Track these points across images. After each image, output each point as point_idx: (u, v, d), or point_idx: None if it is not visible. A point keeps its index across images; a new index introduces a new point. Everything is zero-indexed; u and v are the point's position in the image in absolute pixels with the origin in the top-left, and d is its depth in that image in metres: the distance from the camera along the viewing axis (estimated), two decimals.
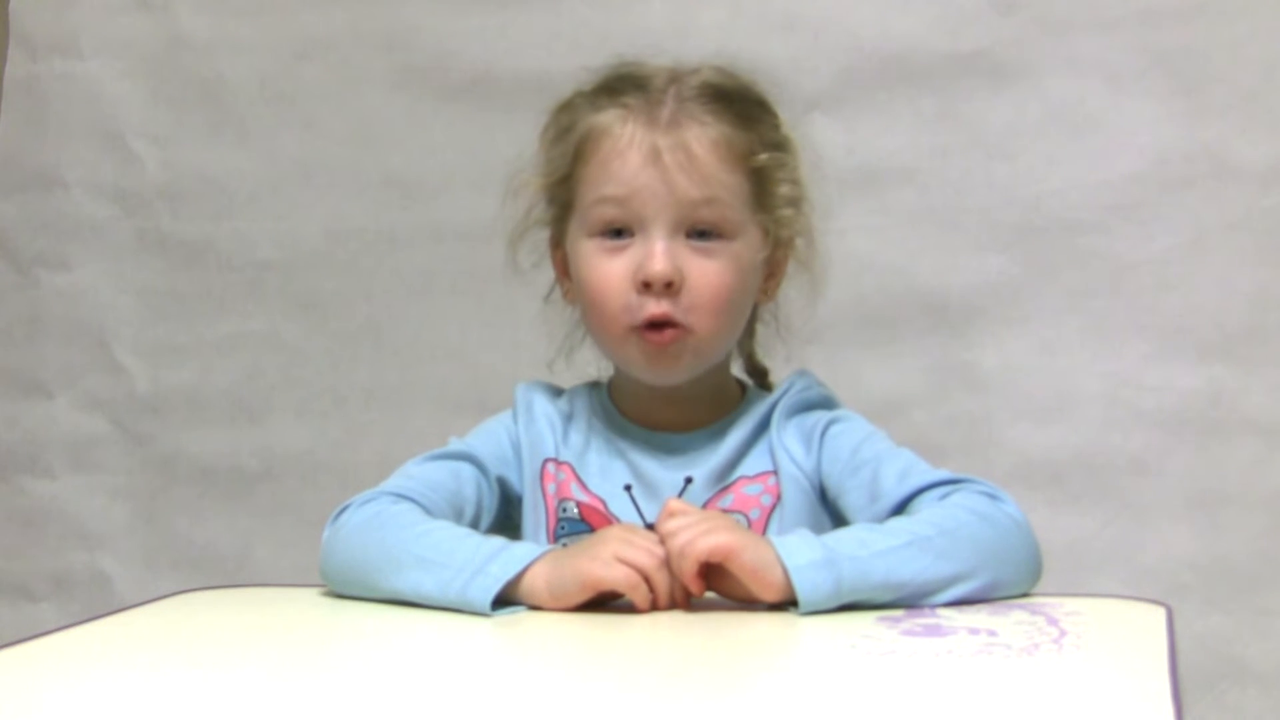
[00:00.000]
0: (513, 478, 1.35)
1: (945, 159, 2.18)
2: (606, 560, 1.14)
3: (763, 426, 1.33)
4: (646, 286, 1.25)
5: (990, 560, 1.16)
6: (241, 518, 2.42)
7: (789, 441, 1.31)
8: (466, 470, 1.34)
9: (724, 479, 1.31)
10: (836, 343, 2.17)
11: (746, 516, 1.30)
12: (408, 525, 1.23)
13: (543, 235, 1.36)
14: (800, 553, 1.13)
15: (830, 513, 1.31)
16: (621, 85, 1.30)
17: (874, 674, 0.93)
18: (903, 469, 1.27)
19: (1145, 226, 2.13)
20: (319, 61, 2.40)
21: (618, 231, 1.27)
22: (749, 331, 1.39)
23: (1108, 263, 2.13)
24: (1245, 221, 2.10)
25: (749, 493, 1.30)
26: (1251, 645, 2.09)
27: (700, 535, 1.14)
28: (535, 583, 1.16)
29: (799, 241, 1.35)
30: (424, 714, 0.88)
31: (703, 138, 1.27)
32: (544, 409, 1.36)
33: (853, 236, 2.18)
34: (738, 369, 1.41)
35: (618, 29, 2.25)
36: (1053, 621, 1.05)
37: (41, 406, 2.50)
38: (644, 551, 1.15)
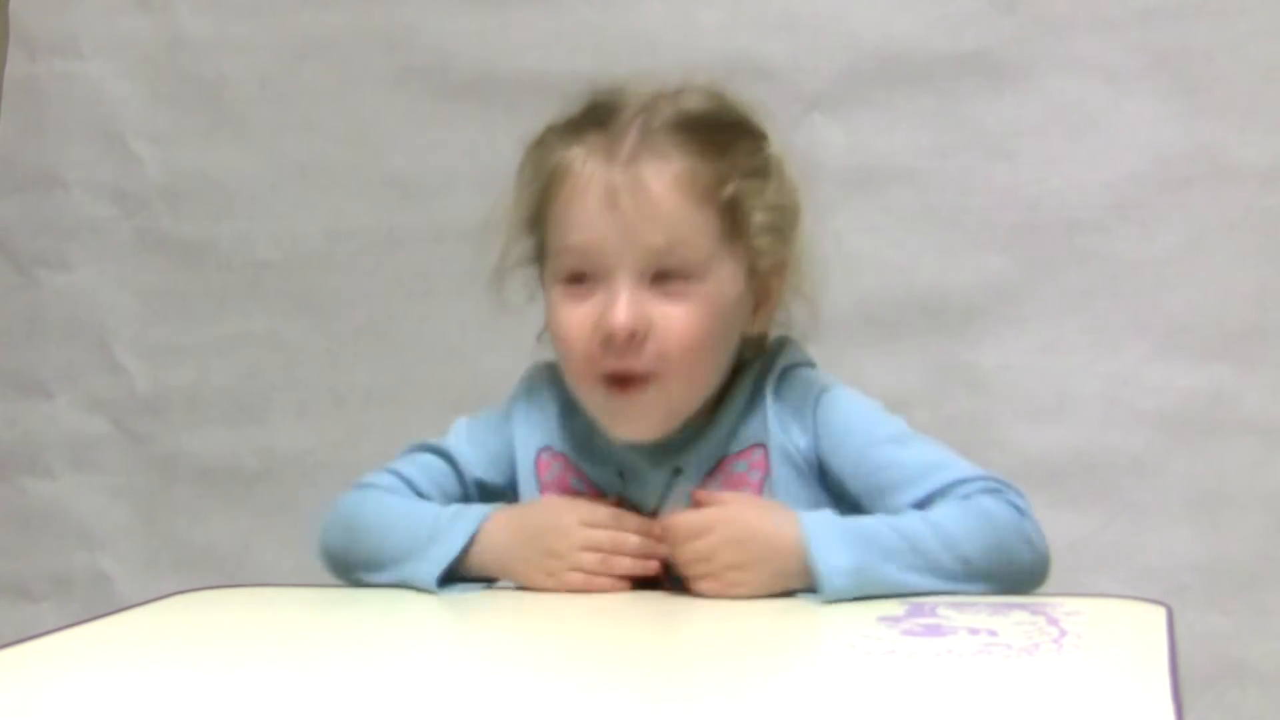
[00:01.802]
0: (497, 479, 1.34)
1: (945, 159, 2.18)
2: (558, 572, 1.19)
3: (750, 399, 1.29)
4: (609, 339, 1.20)
5: (1007, 583, 1.20)
6: (241, 518, 2.42)
7: (782, 416, 1.28)
8: (439, 465, 1.35)
9: (709, 463, 1.28)
10: (836, 343, 2.15)
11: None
12: (377, 513, 1.29)
13: (533, 271, 1.31)
14: (835, 586, 1.15)
15: (826, 487, 1.29)
16: (588, 119, 1.25)
17: (874, 674, 0.93)
18: (921, 462, 1.26)
19: (1145, 226, 2.13)
20: (319, 61, 2.40)
21: (582, 277, 1.22)
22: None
23: (1108, 263, 2.13)
24: (1245, 221, 2.10)
25: (737, 470, 1.27)
26: (1251, 645, 2.09)
27: (723, 587, 1.17)
28: (485, 557, 1.21)
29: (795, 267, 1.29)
30: (424, 713, 0.88)
31: (663, 174, 1.21)
32: (544, 397, 1.33)
33: (853, 236, 2.18)
34: None
35: (618, 29, 2.25)
36: (1053, 621, 1.05)
37: (41, 406, 2.50)
38: (601, 561, 1.19)
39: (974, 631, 1.03)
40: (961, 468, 1.25)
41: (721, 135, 1.25)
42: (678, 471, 1.28)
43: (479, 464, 1.34)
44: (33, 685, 0.96)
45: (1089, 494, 2.13)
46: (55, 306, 2.49)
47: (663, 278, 1.21)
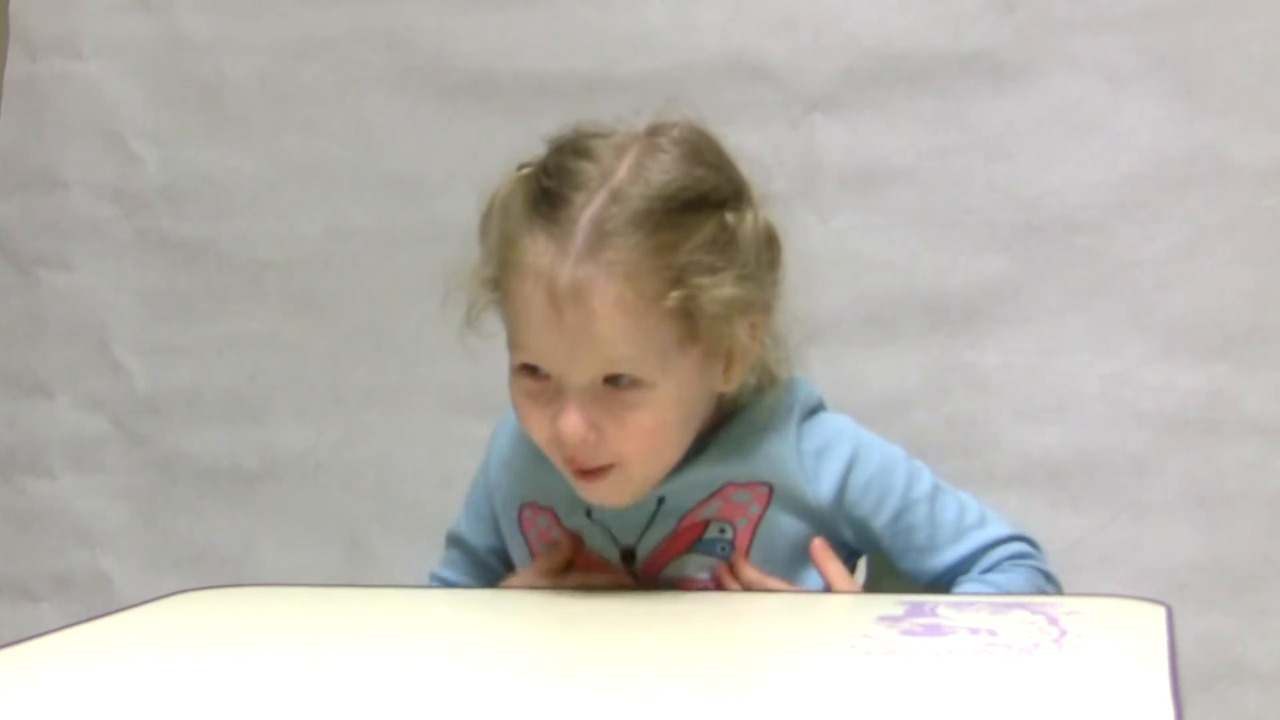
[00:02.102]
0: (499, 543, 1.35)
1: (945, 159, 2.18)
2: None
3: (753, 430, 1.27)
4: (562, 443, 1.19)
5: None
6: (241, 518, 2.42)
7: (808, 462, 1.26)
8: (458, 556, 1.37)
9: (707, 487, 1.26)
10: (836, 343, 2.17)
11: (733, 525, 1.25)
12: None
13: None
14: None
15: (847, 541, 1.29)
16: (542, 199, 1.18)
17: (874, 674, 0.93)
18: (956, 523, 1.29)
19: (1145, 226, 2.12)
20: (319, 61, 2.40)
21: (537, 371, 1.19)
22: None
23: (1108, 263, 2.13)
24: (1245, 221, 2.10)
25: (737, 500, 1.26)
26: (1251, 645, 2.09)
27: None
28: None
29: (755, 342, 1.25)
30: (425, 712, 0.88)
31: (607, 290, 1.14)
32: (514, 454, 1.32)
33: (853, 236, 2.18)
34: None
35: (618, 29, 2.25)
36: (1053, 621, 1.05)
37: (41, 406, 2.50)
38: None
39: (974, 631, 1.03)
40: (993, 528, 1.29)
41: (677, 228, 1.18)
42: (661, 501, 1.26)
43: (483, 535, 1.36)
44: (33, 685, 0.96)
45: (1089, 494, 2.13)
46: (55, 306, 2.49)
47: (615, 379, 1.18)
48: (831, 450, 1.28)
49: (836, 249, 2.20)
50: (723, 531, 1.25)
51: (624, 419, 1.18)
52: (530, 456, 1.28)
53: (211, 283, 2.44)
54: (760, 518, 1.26)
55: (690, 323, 1.18)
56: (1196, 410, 2.11)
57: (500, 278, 1.21)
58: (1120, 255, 2.13)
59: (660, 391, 1.18)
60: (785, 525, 1.26)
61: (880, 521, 1.28)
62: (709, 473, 1.26)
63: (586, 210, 1.16)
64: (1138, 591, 1.23)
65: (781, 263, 1.27)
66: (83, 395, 2.49)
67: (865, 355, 2.18)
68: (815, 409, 1.31)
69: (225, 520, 2.43)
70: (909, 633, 1.03)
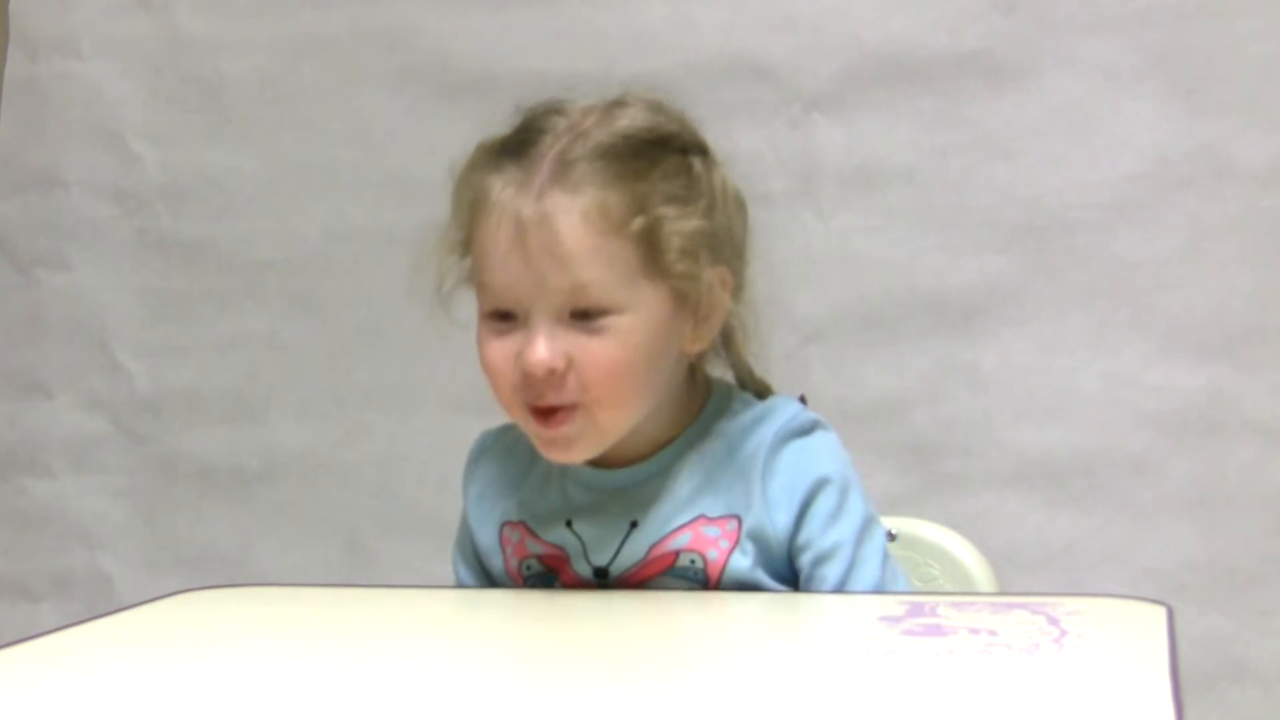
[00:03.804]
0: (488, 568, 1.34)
1: (945, 159, 2.18)
2: None
3: (727, 457, 1.26)
4: (530, 375, 1.19)
5: None
6: (241, 518, 2.42)
7: (771, 495, 1.24)
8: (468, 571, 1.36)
9: (679, 516, 1.25)
10: (836, 343, 2.17)
11: (704, 556, 1.24)
12: None
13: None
14: None
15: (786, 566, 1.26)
16: (509, 146, 1.22)
17: (874, 674, 0.93)
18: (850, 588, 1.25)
19: (1145, 226, 2.12)
20: (319, 61, 2.40)
21: (505, 313, 1.21)
22: (733, 357, 1.31)
23: (1108, 263, 2.13)
24: (1245, 221, 2.10)
25: (708, 534, 1.25)
26: (1251, 645, 2.09)
27: None
28: None
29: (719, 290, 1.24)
30: (424, 712, 0.88)
31: (571, 211, 1.18)
32: (490, 476, 1.33)
33: (853, 236, 2.18)
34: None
35: (618, 29, 2.25)
36: (1053, 621, 1.05)
37: (41, 406, 2.50)
38: None
39: (974, 631, 1.03)
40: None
41: (642, 159, 1.21)
42: (634, 525, 1.26)
43: (475, 576, 1.34)
44: (33, 685, 0.96)
45: (1089, 494, 2.13)
46: (55, 306, 2.49)
47: (582, 313, 1.19)
48: (800, 475, 1.25)
49: (836, 249, 2.20)
50: (694, 562, 1.24)
51: (590, 349, 1.19)
52: (504, 472, 1.31)
53: (211, 283, 2.44)
54: (730, 553, 1.24)
55: (656, 255, 1.20)
56: (1196, 410, 2.11)
57: (470, 226, 1.24)
58: (1120, 255, 2.13)
59: (626, 320, 1.19)
60: (751, 560, 1.24)
61: (804, 556, 1.24)
62: (682, 500, 1.25)
63: (553, 148, 1.20)
64: (1138, 591, 1.23)
65: (750, 232, 1.27)
66: (83, 395, 2.49)
67: (865, 355, 2.18)
68: (797, 432, 1.27)
69: (225, 520, 2.43)
70: (909, 633, 1.03)
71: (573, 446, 1.23)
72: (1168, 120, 2.12)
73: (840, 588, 1.23)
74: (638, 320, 1.20)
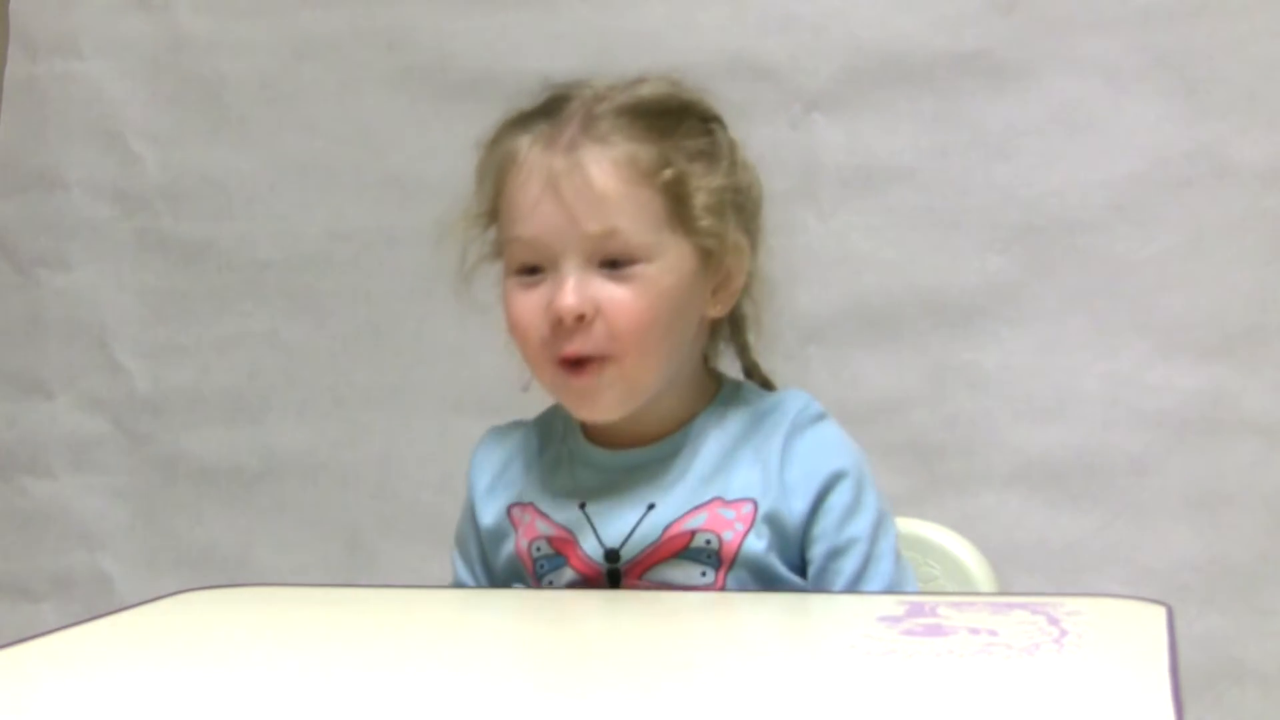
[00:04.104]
0: (493, 560, 1.34)
1: (945, 159, 2.18)
2: None
3: (743, 441, 1.27)
4: (559, 322, 1.21)
5: None
6: (241, 518, 2.42)
7: (789, 479, 1.26)
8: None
9: (695, 497, 1.26)
10: (836, 343, 2.17)
11: (719, 537, 1.24)
12: None
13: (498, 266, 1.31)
14: None
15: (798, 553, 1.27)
16: (536, 111, 1.27)
17: (874, 674, 0.93)
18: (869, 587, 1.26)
19: (1145, 226, 2.12)
20: (319, 61, 2.40)
21: (533, 269, 1.24)
22: (741, 344, 1.34)
23: (1108, 263, 2.13)
24: (1245, 221, 2.10)
25: (724, 515, 1.26)
26: (1251, 645, 2.09)
27: None
28: None
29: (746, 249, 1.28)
30: (424, 712, 0.88)
31: (603, 159, 1.22)
32: (498, 463, 1.34)
33: (853, 236, 2.18)
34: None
35: (618, 29, 2.25)
36: (1053, 621, 1.05)
37: (41, 406, 2.50)
38: None
39: (974, 631, 1.03)
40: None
41: (666, 119, 1.26)
42: (651, 507, 1.26)
43: (475, 576, 1.35)
44: (33, 685, 0.96)
45: (1089, 494, 2.13)
46: (55, 306, 2.49)
47: (610, 263, 1.22)
48: (818, 464, 1.26)
49: (836, 249, 2.20)
50: (709, 543, 1.25)
51: (618, 297, 1.21)
52: (513, 459, 1.32)
53: (211, 283, 2.44)
54: (744, 535, 1.25)
55: (682, 209, 1.23)
56: (1196, 410, 2.11)
57: (497, 191, 1.27)
58: (1120, 255, 2.13)
59: (654, 269, 1.22)
60: (765, 544, 1.25)
61: (818, 548, 1.25)
62: (698, 482, 1.26)
63: (580, 110, 1.25)
64: (1138, 591, 1.23)
65: (762, 213, 1.30)
66: (83, 395, 2.49)
67: (865, 355, 2.18)
68: (812, 420, 1.29)
69: (225, 520, 2.43)
70: (909, 633, 1.03)
71: (600, 399, 1.24)
72: (1168, 120, 2.12)
73: (855, 583, 1.24)
74: (664, 270, 1.23)
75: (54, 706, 0.91)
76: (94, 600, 2.42)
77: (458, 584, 1.36)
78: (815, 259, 2.17)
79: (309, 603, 1.29)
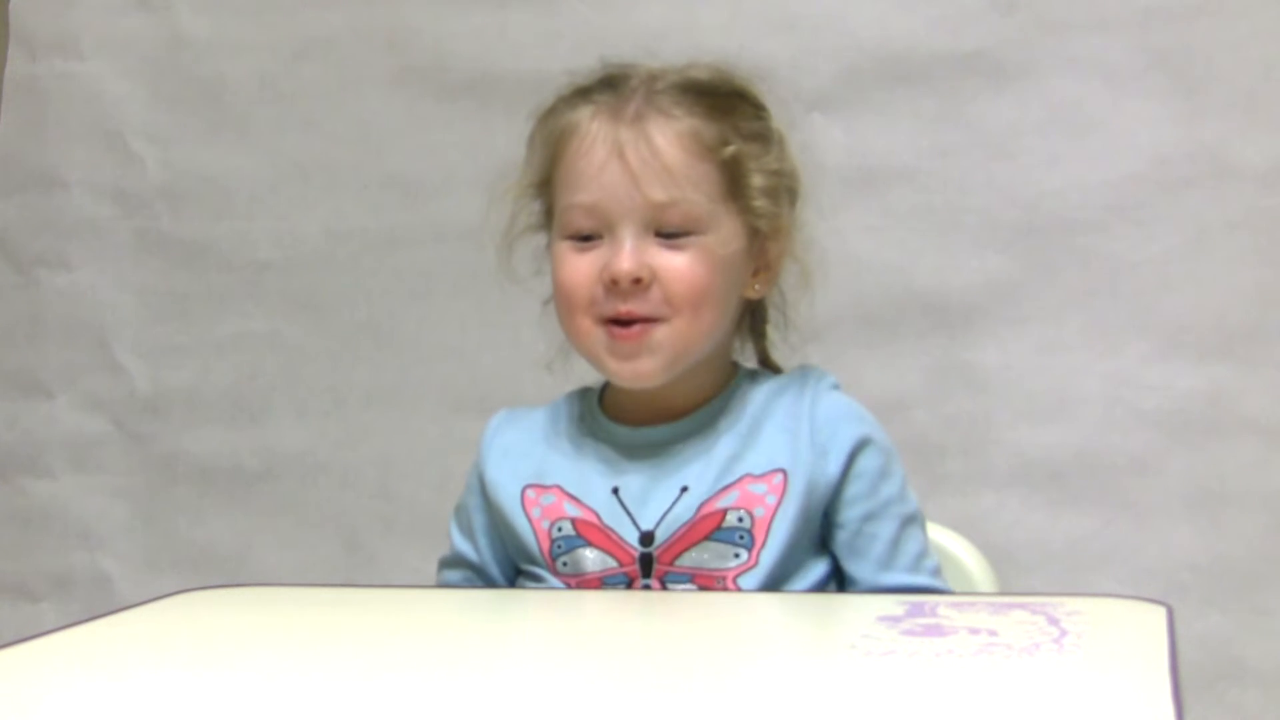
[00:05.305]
0: (497, 545, 1.35)
1: (945, 159, 2.18)
2: None
3: (764, 415, 1.30)
4: (614, 284, 1.24)
5: None
6: (241, 518, 2.42)
7: (819, 442, 1.28)
8: (459, 579, 1.37)
9: (725, 477, 1.28)
10: (836, 343, 2.17)
11: (751, 514, 1.26)
12: None
13: (540, 241, 1.35)
14: None
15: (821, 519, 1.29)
16: (597, 85, 1.30)
17: (874, 674, 0.93)
18: (911, 555, 1.28)
19: (1145, 226, 2.13)
20: (319, 61, 2.40)
21: (589, 236, 1.27)
22: (759, 333, 1.37)
23: (1108, 263, 2.13)
24: (1245, 221, 2.10)
25: (755, 491, 1.27)
26: (1251, 645, 2.09)
27: None
28: None
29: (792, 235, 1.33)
30: (424, 712, 0.88)
31: (667, 130, 1.26)
32: (513, 441, 1.35)
33: (853, 236, 2.18)
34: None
35: (618, 29, 2.25)
36: (1053, 621, 1.05)
37: (41, 406, 2.50)
38: None
39: (974, 631, 1.03)
40: (933, 579, 1.29)
41: (725, 100, 1.30)
42: (684, 490, 1.28)
43: (480, 549, 1.35)
44: (33, 685, 0.96)
45: (1089, 494, 2.13)
46: (55, 306, 2.50)
47: (666, 234, 1.25)
48: (846, 427, 1.29)
49: (836, 249, 2.19)
50: (741, 520, 1.26)
51: (675, 263, 1.25)
52: (531, 439, 1.33)
53: (211, 283, 2.44)
54: (778, 507, 1.26)
55: (739, 187, 1.28)
56: (1196, 410, 2.11)
57: (552, 161, 1.30)
58: (1120, 255, 2.13)
59: (706, 240, 1.26)
60: (797, 517, 1.26)
61: (851, 512, 1.28)
62: (725, 460, 1.28)
63: (643, 86, 1.28)
64: (1138, 591, 1.23)
65: (800, 198, 1.35)
66: (83, 395, 2.49)
67: (865, 355, 2.18)
68: (832, 388, 1.33)
69: (225, 520, 2.43)
70: (909, 633, 1.03)
71: (644, 360, 1.26)
72: (1168, 120, 2.12)
73: (894, 545, 1.27)
74: (717, 243, 1.27)
75: (54, 706, 0.91)
76: (94, 600, 2.42)
77: (454, 556, 1.36)
78: (815, 259, 2.17)
79: (309, 603, 1.29)
